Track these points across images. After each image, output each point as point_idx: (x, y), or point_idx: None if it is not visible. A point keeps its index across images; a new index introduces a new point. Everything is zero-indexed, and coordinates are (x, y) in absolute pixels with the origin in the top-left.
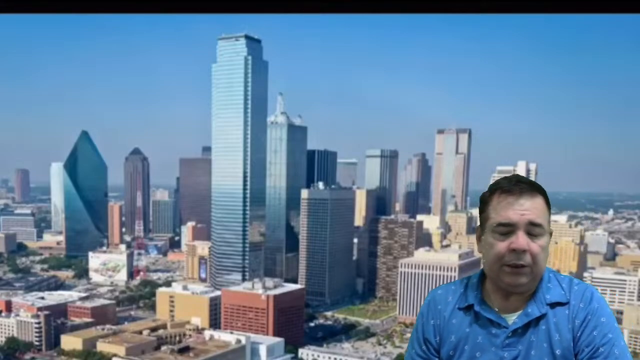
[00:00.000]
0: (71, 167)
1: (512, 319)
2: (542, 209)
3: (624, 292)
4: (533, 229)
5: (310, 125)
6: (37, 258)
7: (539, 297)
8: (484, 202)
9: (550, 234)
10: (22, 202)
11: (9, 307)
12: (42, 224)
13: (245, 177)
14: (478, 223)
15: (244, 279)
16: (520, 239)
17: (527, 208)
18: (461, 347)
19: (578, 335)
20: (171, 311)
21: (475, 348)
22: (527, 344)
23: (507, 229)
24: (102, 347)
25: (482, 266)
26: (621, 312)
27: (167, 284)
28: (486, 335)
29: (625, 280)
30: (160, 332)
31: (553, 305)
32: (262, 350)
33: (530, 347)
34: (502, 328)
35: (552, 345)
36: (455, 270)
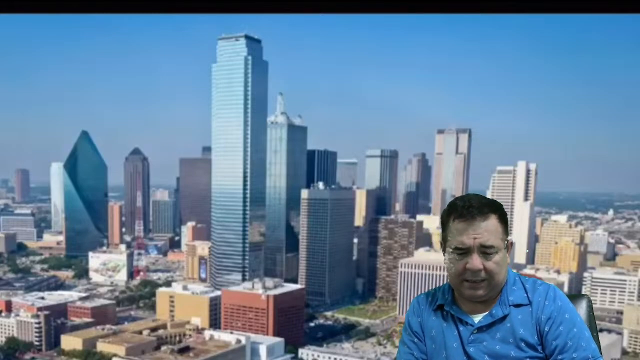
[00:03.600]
0: (71, 167)
1: (478, 318)
2: (494, 229)
3: (624, 292)
4: (485, 250)
5: (310, 125)
6: (37, 258)
7: (503, 300)
8: (443, 223)
9: (509, 246)
10: (22, 202)
11: (9, 307)
12: (42, 224)
13: (245, 177)
14: (441, 239)
15: (244, 279)
16: (475, 261)
17: (478, 232)
18: (439, 340)
19: (546, 330)
20: (171, 311)
21: (451, 341)
22: (492, 339)
23: (463, 251)
24: (102, 347)
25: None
26: (621, 312)
27: (167, 284)
28: (456, 331)
29: (625, 280)
30: (160, 332)
31: (516, 306)
32: (262, 350)
33: (495, 342)
34: (469, 326)
35: (517, 339)
36: None
